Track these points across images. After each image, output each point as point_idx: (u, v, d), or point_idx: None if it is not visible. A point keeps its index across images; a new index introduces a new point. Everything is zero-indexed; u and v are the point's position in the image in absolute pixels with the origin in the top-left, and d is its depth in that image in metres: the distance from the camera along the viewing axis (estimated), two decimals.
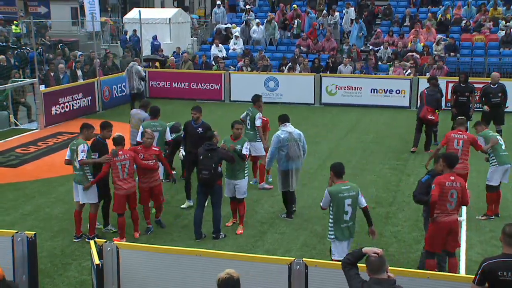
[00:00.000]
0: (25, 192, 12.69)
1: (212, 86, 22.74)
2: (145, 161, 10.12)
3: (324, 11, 26.96)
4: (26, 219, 11.17)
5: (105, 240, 7.23)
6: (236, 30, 27.25)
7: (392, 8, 28.55)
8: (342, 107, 21.25)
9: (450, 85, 18.00)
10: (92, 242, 7.25)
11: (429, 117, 15.16)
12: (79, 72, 21.43)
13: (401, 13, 27.97)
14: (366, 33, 26.16)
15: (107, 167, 9.86)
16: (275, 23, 26.75)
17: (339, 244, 8.09)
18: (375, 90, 21.44)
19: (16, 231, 7.49)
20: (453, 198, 8.14)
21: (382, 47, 24.59)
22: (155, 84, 23.21)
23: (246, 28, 27.17)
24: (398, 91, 21.24)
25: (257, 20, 27.23)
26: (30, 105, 19.68)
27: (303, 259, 6.61)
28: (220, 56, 24.72)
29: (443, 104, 16.74)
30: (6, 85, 18.87)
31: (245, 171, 10.42)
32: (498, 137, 11.13)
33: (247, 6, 28.82)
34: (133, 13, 30.42)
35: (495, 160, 10.93)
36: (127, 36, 29.51)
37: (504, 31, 24.46)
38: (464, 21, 25.97)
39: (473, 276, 5.91)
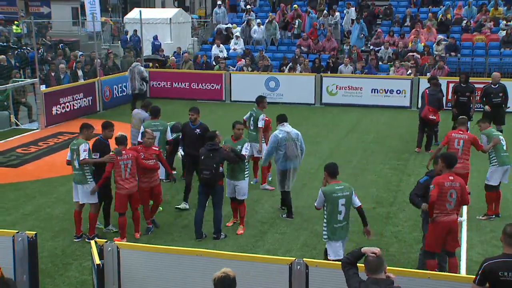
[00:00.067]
0: (26, 192, 12.69)
1: (212, 86, 22.73)
2: (145, 160, 10.12)
3: (325, 11, 26.95)
4: (27, 219, 11.18)
5: (105, 240, 7.23)
6: (237, 30, 27.25)
7: (392, 8, 28.54)
8: (342, 107, 21.24)
9: (451, 85, 17.98)
10: (92, 242, 7.25)
11: (430, 117, 15.17)
12: (79, 72, 21.46)
13: (401, 13, 27.96)
14: (366, 33, 26.14)
15: (111, 167, 9.83)
16: (276, 23, 26.73)
17: (333, 244, 8.11)
18: (376, 90, 21.44)
19: (17, 231, 7.50)
20: (452, 198, 8.13)
21: (382, 47, 24.58)
22: (155, 84, 23.22)
23: (247, 28, 27.17)
24: (398, 91, 21.24)
25: (258, 20, 27.20)
26: (31, 105, 19.68)
27: (304, 259, 6.62)
28: (221, 56, 24.73)
29: (443, 104, 16.74)
30: (7, 85, 18.87)
31: (246, 173, 10.38)
32: (501, 137, 11.11)
33: (248, 6, 28.78)
34: (133, 13, 30.45)
35: (495, 160, 10.92)
36: (128, 36, 29.51)
37: (504, 31, 24.44)
38: (464, 21, 25.94)
39: (474, 276, 5.91)
